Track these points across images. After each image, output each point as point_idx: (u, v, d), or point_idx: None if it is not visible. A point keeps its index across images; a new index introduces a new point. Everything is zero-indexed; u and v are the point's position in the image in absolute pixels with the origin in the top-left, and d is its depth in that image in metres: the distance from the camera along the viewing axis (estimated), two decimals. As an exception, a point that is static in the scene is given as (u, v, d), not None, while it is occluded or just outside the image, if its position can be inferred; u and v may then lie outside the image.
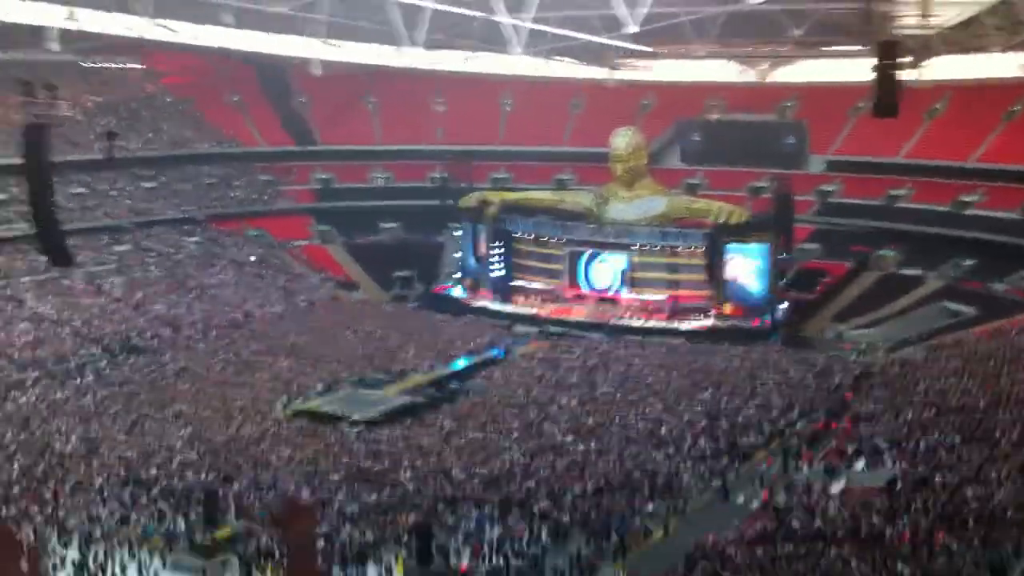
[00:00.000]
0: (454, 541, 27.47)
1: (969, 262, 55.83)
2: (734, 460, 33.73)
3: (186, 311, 54.06)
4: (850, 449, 33.10)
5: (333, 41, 53.51)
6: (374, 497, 29.83)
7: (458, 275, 63.00)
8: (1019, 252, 52.98)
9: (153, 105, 72.62)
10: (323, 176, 73.87)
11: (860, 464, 31.43)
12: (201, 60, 74.18)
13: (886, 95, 32.54)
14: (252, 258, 63.38)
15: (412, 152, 74.26)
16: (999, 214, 57.48)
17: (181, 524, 27.93)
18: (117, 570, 25.19)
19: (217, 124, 73.45)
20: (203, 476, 31.26)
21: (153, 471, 31.75)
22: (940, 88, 67.74)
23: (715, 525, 28.46)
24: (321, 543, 26.55)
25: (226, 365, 46.50)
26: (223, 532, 26.95)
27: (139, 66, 74.16)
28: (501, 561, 26.21)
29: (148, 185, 66.59)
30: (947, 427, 32.62)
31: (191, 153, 70.01)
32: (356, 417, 38.38)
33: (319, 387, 42.69)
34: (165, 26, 46.27)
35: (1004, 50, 63.52)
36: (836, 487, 29.75)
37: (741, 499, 31.05)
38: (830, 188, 66.32)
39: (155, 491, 30.14)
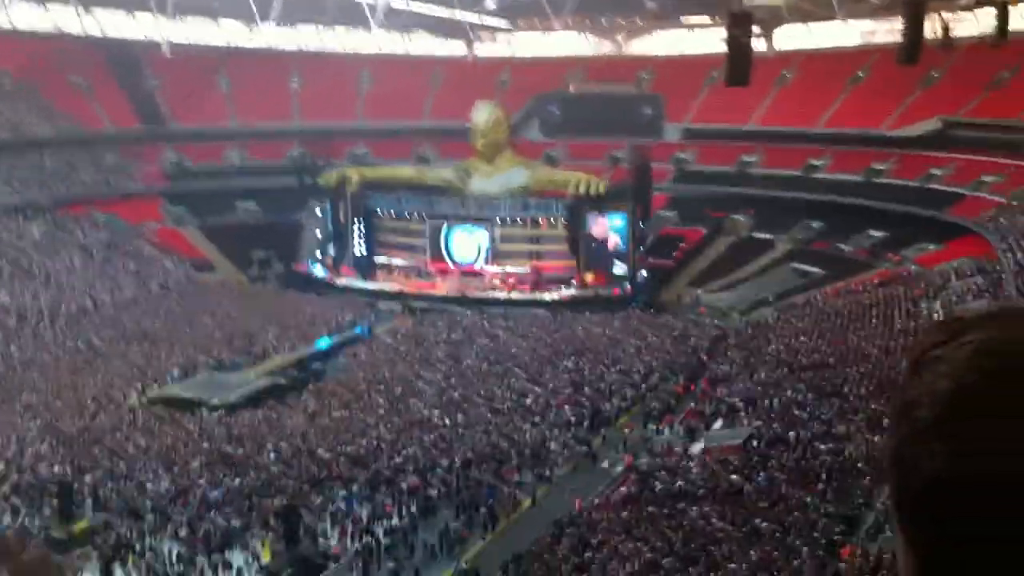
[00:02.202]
0: (322, 522, 27.19)
1: (817, 224, 57.85)
2: (598, 426, 34.30)
3: (31, 299, 51.67)
4: (708, 410, 34.07)
5: (183, 18, 51.57)
6: (237, 482, 29.22)
7: (319, 253, 62.03)
8: (864, 213, 55.11)
9: (-11, 87, 69.03)
10: (175, 157, 71.54)
11: (718, 424, 32.37)
12: (45, 43, 70.96)
13: (738, 65, 33.39)
14: (99, 244, 61.05)
15: (268, 131, 72.59)
16: (845, 177, 59.71)
17: (36, 519, 26.87)
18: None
19: (63, 108, 70.26)
20: (57, 469, 30.05)
21: (2, 466, 30.37)
22: (787, 57, 69.95)
23: (582, 491, 28.93)
24: (185, 531, 25.96)
25: (76, 353, 44.71)
26: (80, 526, 26.05)
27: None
28: (371, 539, 26.06)
29: (-13, 170, 63.32)
30: (799, 385, 33.86)
31: (34, 139, 66.83)
32: (215, 402, 37.43)
33: (176, 373, 41.44)
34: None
35: (847, 19, 65.99)
36: (696, 447, 30.57)
37: (606, 464, 31.63)
38: (685, 156, 67.75)
39: (6, 486, 28.88)
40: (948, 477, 0.92)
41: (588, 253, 55.75)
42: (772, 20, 69.11)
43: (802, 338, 40.06)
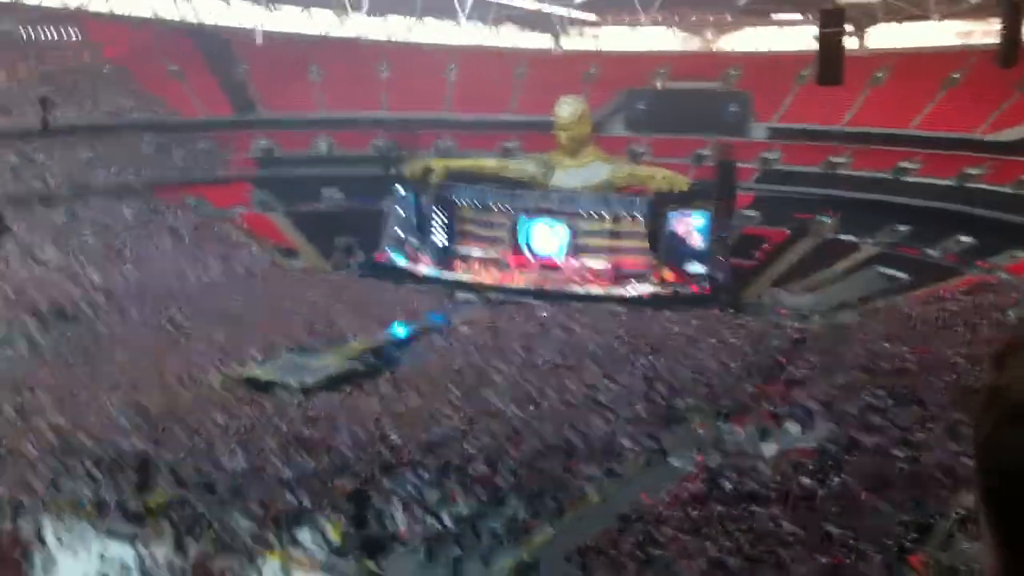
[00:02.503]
0: (391, 506, 27.53)
1: (905, 228, 56.61)
2: (670, 424, 34.09)
3: (121, 280, 53.20)
4: (783, 412, 33.62)
5: (275, 6, 52.57)
6: (311, 463, 29.72)
7: (399, 243, 62.67)
8: (954, 218, 53.82)
9: (90, 74, 71.05)
10: (265, 144, 72.96)
11: (792, 427, 31.93)
12: (140, 31, 73.00)
13: (830, 63, 32.79)
14: (190, 227, 62.57)
15: (355, 120, 73.54)
16: (936, 181, 58.32)
17: (114, 492, 27.68)
18: (50, 539, 24.92)
19: (156, 94, 72.17)
20: (136, 444, 30.89)
21: (86, 439, 31.33)
22: (881, 56, 68.51)
23: (650, 487, 28.80)
24: (257, 509, 26.52)
25: (161, 332, 45.90)
26: (156, 499, 26.76)
27: (77, 36, 72.64)
28: (438, 525, 26.32)
29: (85, 154, 65.31)
30: (878, 390, 33.20)
31: (129, 122, 68.75)
32: (294, 384, 38.12)
33: (257, 355, 42.28)
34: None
35: (942, 18, 64.43)
36: (768, 449, 30.21)
37: (676, 462, 31.44)
38: (772, 155, 66.84)
39: (87, 459, 29.80)
40: None
41: (668, 250, 55.40)
42: (865, 18, 67.81)
43: (884, 343, 39.25)
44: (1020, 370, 0.94)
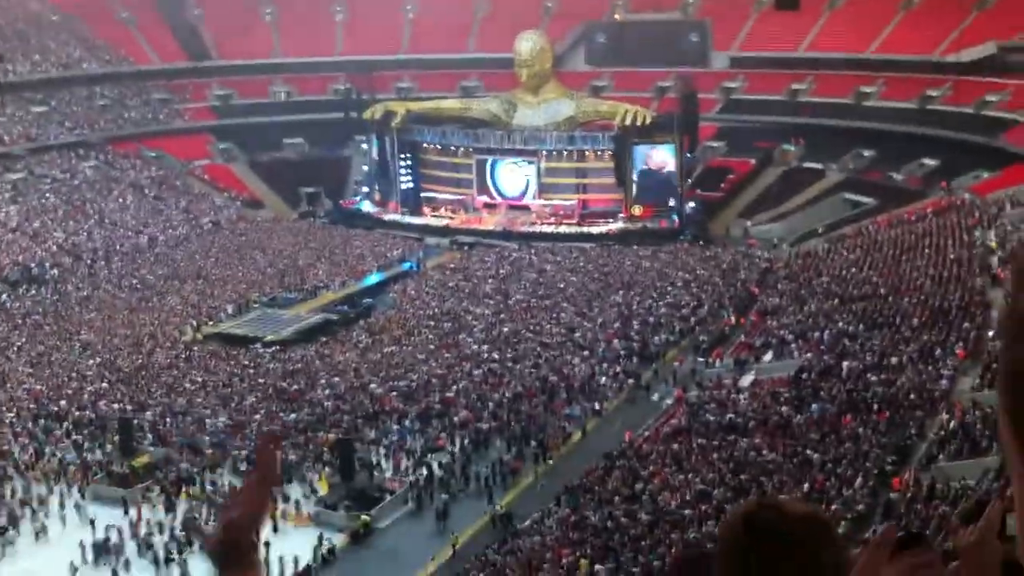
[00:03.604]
0: (376, 455, 27.75)
1: (868, 153, 56.84)
2: (647, 360, 34.43)
3: (86, 238, 52.56)
4: (758, 342, 34.02)
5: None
6: (293, 416, 29.81)
7: (365, 189, 62.17)
8: (917, 141, 54.05)
9: (40, 24, 69.47)
10: (221, 92, 71.76)
11: (768, 356, 32.34)
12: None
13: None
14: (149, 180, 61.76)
15: (313, 64, 72.39)
16: (897, 104, 58.44)
17: (98, 455, 27.66)
18: (35, 504, 24.90)
19: (108, 41, 70.65)
20: (116, 405, 30.79)
21: (64, 403, 31.20)
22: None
23: (632, 424, 29.18)
24: (243, 465, 26.59)
25: (131, 291, 45.51)
26: (141, 461, 26.76)
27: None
28: (425, 472, 26.57)
29: (39, 109, 64.01)
30: (850, 316, 33.64)
31: (81, 74, 67.38)
32: (269, 337, 38.00)
33: (229, 309, 42.08)
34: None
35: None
36: (746, 380, 30.61)
37: (656, 397, 31.83)
38: (733, 85, 66.67)
39: (68, 423, 29.70)
40: None
41: (635, 185, 55.37)
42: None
43: (853, 269, 39.68)
44: None
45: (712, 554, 1.48)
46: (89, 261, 49.87)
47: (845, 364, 29.21)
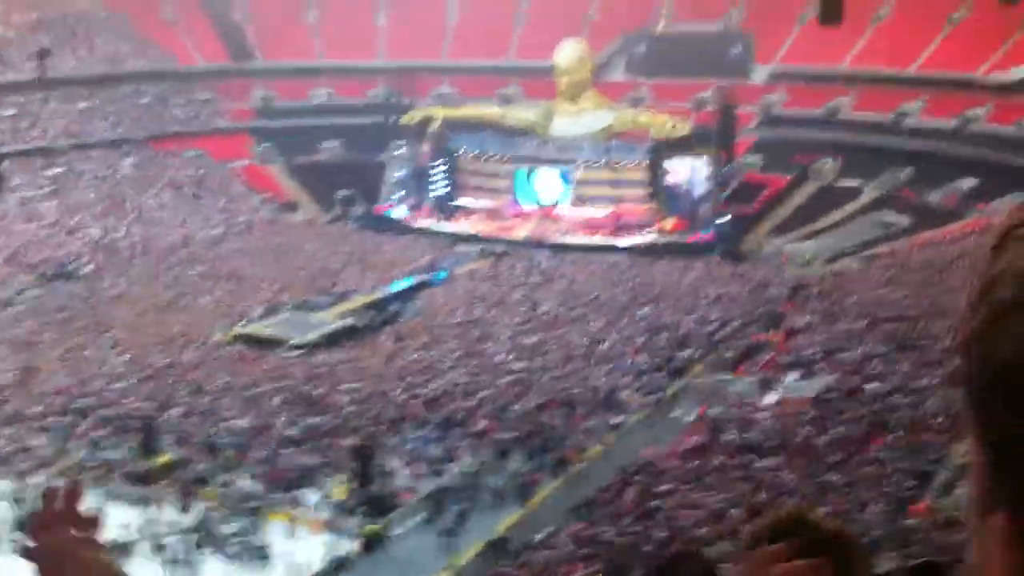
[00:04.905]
0: (395, 463, 27.78)
1: (906, 172, 56.24)
2: (672, 375, 34.25)
3: (123, 235, 53.18)
4: (784, 361, 33.74)
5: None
6: (314, 421, 29.92)
7: (400, 194, 62.37)
8: (956, 161, 53.41)
9: (87, 21, 70.48)
10: (263, 93, 72.41)
11: (793, 376, 32.05)
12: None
13: (832, 1, 32.29)
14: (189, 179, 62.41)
15: (354, 68, 72.83)
16: (937, 123, 57.81)
17: (119, 453, 27.91)
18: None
19: (153, 39, 71.58)
20: (141, 404, 31.08)
21: (90, 399, 31.53)
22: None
23: (652, 439, 29.02)
24: (262, 468, 26.75)
25: (165, 289, 45.94)
26: (161, 460, 26.99)
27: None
28: (442, 481, 26.59)
29: (83, 105, 64.82)
30: (879, 337, 33.30)
31: (127, 72, 68.25)
32: (296, 340, 38.20)
33: (259, 310, 42.36)
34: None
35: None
36: (769, 399, 30.36)
37: (678, 413, 31.64)
38: (773, 99, 66.22)
39: (92, 420, 30.00)
40: None
41: (669, 198, 55.16)
42: (868, -43, 66.80)
43: (884, 289, 39.29)
44: (1014, 261, 0.89)
45: (702, 556, 1.53)
46: (125, 258, 50.46)
47: (870, 386, 28.93)
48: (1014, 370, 0.86)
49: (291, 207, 63.46)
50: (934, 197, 52.80)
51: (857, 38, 64.84)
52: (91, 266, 48.79)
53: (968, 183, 52.14)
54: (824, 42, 60.69)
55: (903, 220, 51.50)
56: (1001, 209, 47.65)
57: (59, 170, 58.89)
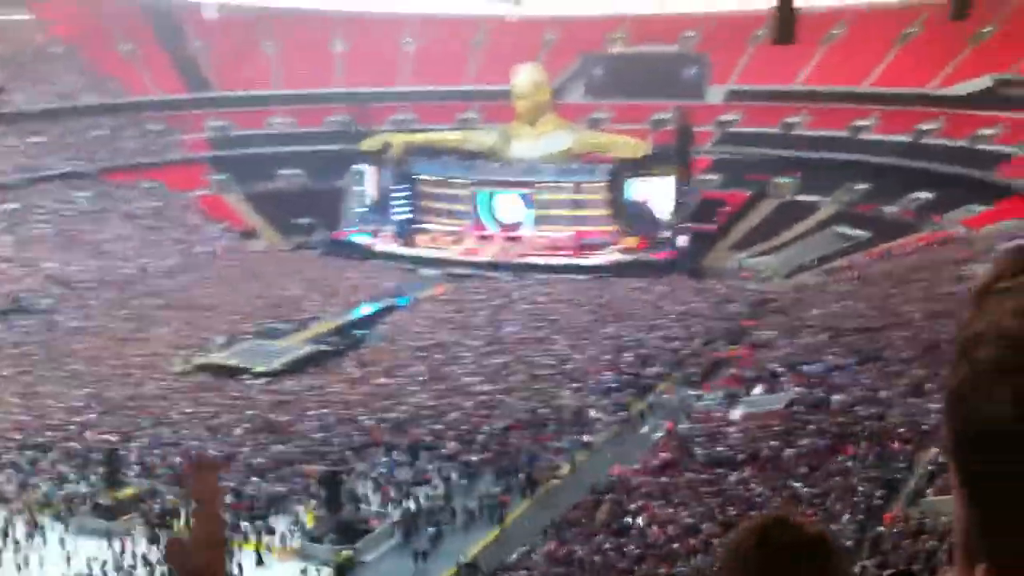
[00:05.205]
0: (364, 488, 27.51)
1: (862, 186, 56.97)
2: (638, 392, 34.28)
3: (79, 268, 52.52)
4: (749, 375, 33.88)
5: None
6: (281, 448, 29.61)
7: (360, 220, 62.14)
8: (910, 175, 54.16)
9: (42, 56, 69.79)
10: (219, 123, 71.96)
11: (759, 389, 32.17)
12: (90, 7, 71.55)
13: (784, 22, 32.74)
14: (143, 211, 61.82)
15: (311, 96, 72.68)
16: (892, 138, 58.64)
17: (83, 486, 27.43)
18: (20, 536, 24.66)
19: (108, 73, 71.00)
20: (103, 436, 30.59)
21: (51, 433, 31.01)
22: (835, 13, 68.56)
23: (621, 457, 28.97)
24: (229, 498, 26.33)
25: (122, 321, 45.39)
26: (126, 492, 26.52)
27: (26, 17, 71.15)
28: (412, 504, 26.34)
29: (37, 139, 64.19)
30: (841, 349, 33.55)
31: (81, 105, 67.62)
32: (259, 368, 37.85)
33: (220, 340, 41.92)
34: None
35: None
36: (736, 413, 30.44)
37: (646, 429, 31.64)
38: (729, 118, 66.90)
39: (54, 454, 29.50)
40: (1010, 423, 0.84)
41: (630, 218, 55.40)
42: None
43: (845, 302, 39.65)
44: (996, 320, 0.88)
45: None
46: (81, 291, 49.80)
47: (835, 397, 29.12)
48: (994, 435, 0.86)
49: (250, 235, 62.99)
50: (891, 210, 53.43)
51: (810, 57, 65.77)
52: (48, 300, 48.10)
53: (924, 195, 52.85)
54: (778, 61, 61.56)
55: (861, 233, 52.03)
56: (956, 220, 48.48)
57: (13, 205, 58.06)
